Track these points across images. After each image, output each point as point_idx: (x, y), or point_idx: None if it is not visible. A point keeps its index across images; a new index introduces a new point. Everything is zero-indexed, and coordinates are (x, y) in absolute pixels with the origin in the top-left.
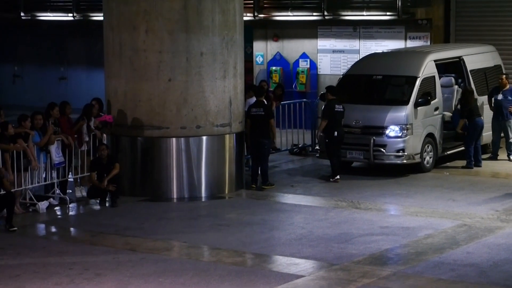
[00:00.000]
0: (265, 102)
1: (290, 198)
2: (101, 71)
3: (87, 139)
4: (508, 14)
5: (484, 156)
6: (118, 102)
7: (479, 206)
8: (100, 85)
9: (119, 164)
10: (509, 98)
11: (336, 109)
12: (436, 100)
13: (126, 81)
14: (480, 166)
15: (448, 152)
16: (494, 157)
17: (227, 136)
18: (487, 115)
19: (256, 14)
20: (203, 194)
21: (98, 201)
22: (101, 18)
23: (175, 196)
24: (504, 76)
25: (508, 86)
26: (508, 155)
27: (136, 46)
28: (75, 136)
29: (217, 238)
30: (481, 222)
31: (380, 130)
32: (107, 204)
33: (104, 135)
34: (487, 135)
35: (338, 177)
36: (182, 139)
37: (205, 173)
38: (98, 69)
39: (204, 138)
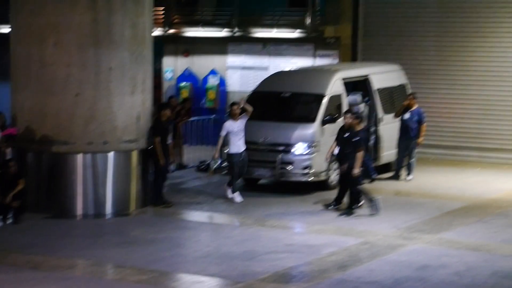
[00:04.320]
0: (159, 120)
1: (196, 216)
2: (7, 84)
3: None
4: (413, 34)
5: (386, 175)
6: (25, 117)
7: (382, 224)
8: (6, 99)
9: (24, 180)
10: (415, 118)
11: None
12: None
13: (33, 95)
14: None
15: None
16: (396, 176)
17: (134, 153)
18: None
19: (166, 29)
20: (109, 211)
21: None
22: (9, 30)
23: (80, 213)
24: (411, 96)
25: (415, 106)
26: (408, 174)
27: (43, 60)
28: None
29: (121, 255)
30: (384, 239)
31: (287, 147)
32: (9, 221)
33: (9, 149)
34: (388, 154)
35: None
36: (89, 154)
37: (111, 190)
38: (4, 83)
39: (111, 154)
